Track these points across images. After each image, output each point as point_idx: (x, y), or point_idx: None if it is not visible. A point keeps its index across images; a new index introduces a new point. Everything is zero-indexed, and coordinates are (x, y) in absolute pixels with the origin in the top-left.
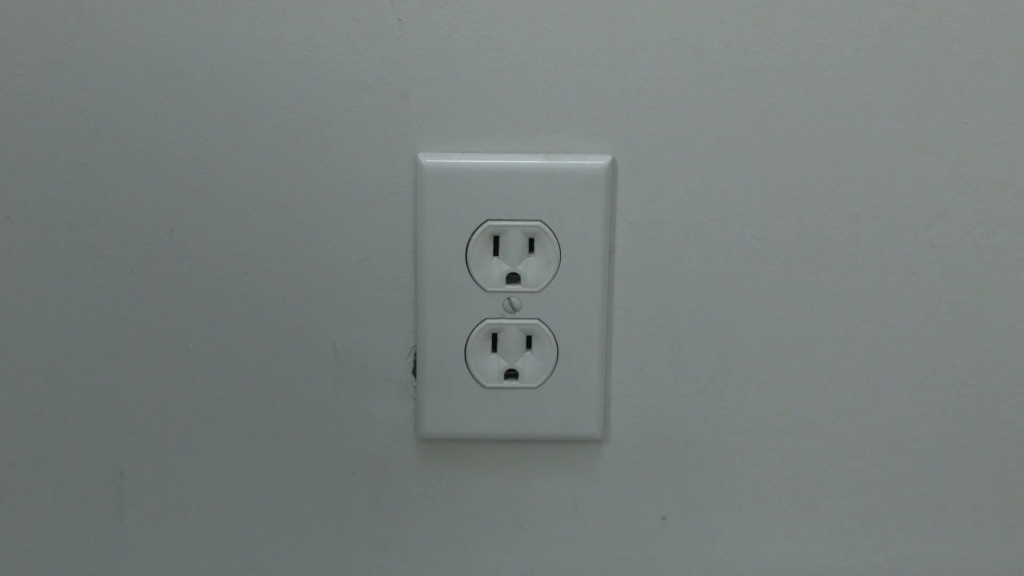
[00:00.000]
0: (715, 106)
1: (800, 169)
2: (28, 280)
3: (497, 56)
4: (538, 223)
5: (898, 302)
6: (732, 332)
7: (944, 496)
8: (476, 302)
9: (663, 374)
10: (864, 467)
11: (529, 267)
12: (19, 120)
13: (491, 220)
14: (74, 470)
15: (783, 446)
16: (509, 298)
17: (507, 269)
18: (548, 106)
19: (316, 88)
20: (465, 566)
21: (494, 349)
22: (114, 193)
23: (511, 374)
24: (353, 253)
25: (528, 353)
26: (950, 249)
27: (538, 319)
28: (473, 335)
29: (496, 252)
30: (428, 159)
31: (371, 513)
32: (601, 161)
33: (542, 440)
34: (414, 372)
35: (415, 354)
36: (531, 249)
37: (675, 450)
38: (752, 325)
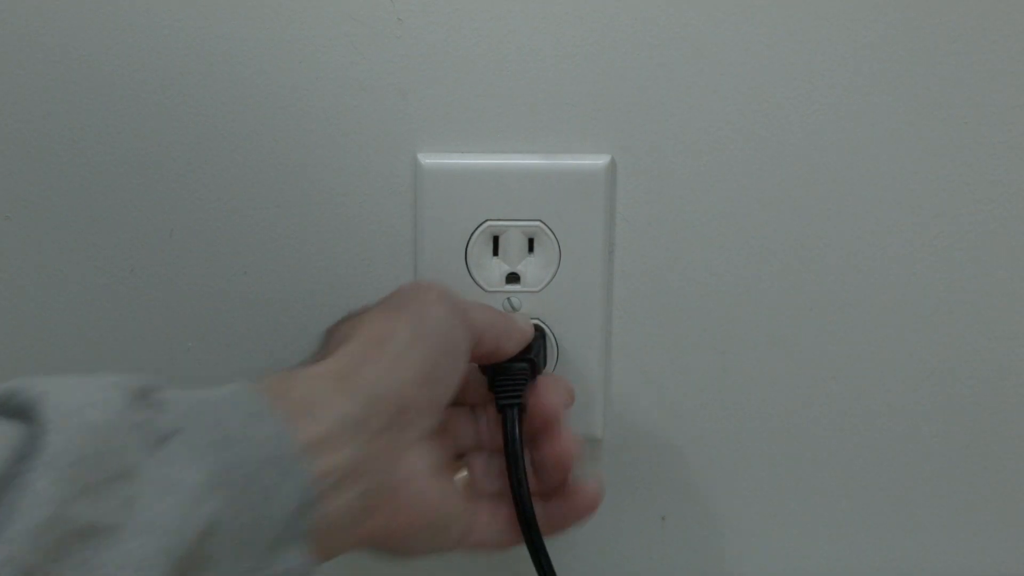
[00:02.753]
0: (715, 106)
1: (800, 169)
2: (28, 280)
3: (497, 56)
4: (538, 223)
5: (898, 302)
6: (732, 332)
7: (944, 496)
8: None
9: (663, 374)
10: (864, 467)
11: (529, 267)
12: (19, 120)
13: (491, 220)
14: None
15: (783, 446)
16: (509, 298)
17: (507, 269)
18: (548, 106)
19: (316, 88)
20: (465, 566)
21: None
22: (114, 193)
23: None
24: (353, 253)
25: None
26: (950, 249)
27: (538, 319)
28: None
29: (496, 252)
30: (428, 159)
31: None
32: (601, 161)
33: None
34: None
35: None
36: (531, 249)
37: (675, 450)
38: (752, 325)
